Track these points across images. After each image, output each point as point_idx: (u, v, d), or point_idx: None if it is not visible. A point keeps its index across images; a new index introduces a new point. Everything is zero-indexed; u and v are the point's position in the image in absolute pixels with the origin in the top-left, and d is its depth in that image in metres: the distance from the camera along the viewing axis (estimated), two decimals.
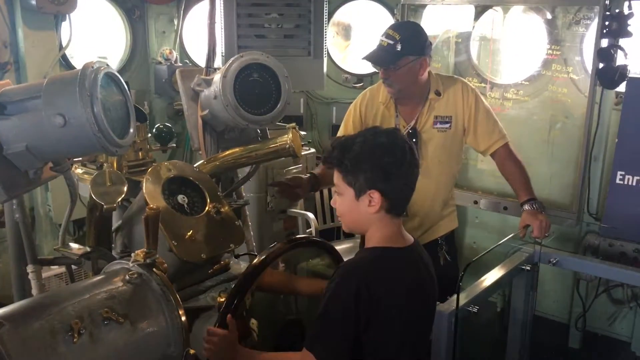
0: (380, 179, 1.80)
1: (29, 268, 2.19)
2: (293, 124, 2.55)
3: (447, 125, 3.06)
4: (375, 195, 1.81)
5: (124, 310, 1.45)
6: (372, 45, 3.02)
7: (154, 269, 1.57)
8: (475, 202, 4.32)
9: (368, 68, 5.21)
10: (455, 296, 2.41)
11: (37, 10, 3.89)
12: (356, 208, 1.85)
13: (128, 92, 1.98)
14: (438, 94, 3.05)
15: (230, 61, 2.50)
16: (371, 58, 3.00)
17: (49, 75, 3.34)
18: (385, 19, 5.14)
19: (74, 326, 1.35)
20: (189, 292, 2.41)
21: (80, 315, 1.39)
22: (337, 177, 1.89)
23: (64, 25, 4.28)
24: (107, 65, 1.90)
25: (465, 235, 4.71)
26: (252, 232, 3.06)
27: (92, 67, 1.79)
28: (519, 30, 4.31)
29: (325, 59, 4.28)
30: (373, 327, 1.77)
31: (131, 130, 1.96)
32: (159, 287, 1.53)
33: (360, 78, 5.34)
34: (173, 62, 4.93)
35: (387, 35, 2.93)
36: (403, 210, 1.91)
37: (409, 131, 3.04)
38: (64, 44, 4.30)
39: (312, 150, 4.54)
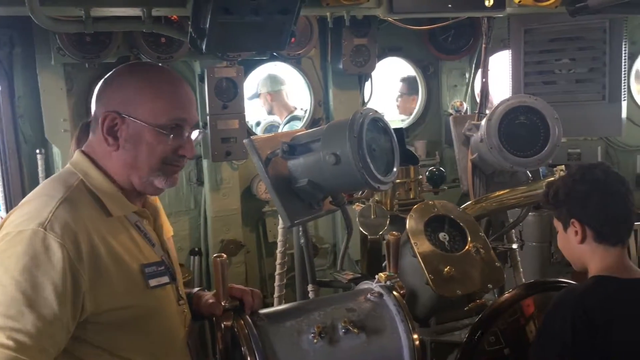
0: (577, 207, 1.87)
1: (309, 287, 2.54)
2: (561, 166, 2.46)
3: None
4: (577, 224, 1.87)
5: (361, 324, 1.61)
6: None
7: (393, 291, 1.70)
8: None
9: None
10: None
11: (343, 73, 4.51)
12: (567, 242, 1.93)
13: (393, 135, 2.19)
14: None
15: (496, 105, 2.56)
16: None
17: None
18: None
19: (316, 329, 1.57)
20: (447, 327, 2.49)
21: (324, 321, 1.60)
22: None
23: (367, 84, 4.84)
24: (375, 111, 2.15)
25: None
26: (522, 278, 2.99)
27: (361, 113, 2.06)
28: None
29: (624, 103, 3.93)
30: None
31: (394, 169, 2.16)
32: (395, 308, 1.66)
33: None
34: (463, 114, 5.08)
35: None
36: (618, 239, 1.87)
37: None
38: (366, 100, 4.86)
39: None
